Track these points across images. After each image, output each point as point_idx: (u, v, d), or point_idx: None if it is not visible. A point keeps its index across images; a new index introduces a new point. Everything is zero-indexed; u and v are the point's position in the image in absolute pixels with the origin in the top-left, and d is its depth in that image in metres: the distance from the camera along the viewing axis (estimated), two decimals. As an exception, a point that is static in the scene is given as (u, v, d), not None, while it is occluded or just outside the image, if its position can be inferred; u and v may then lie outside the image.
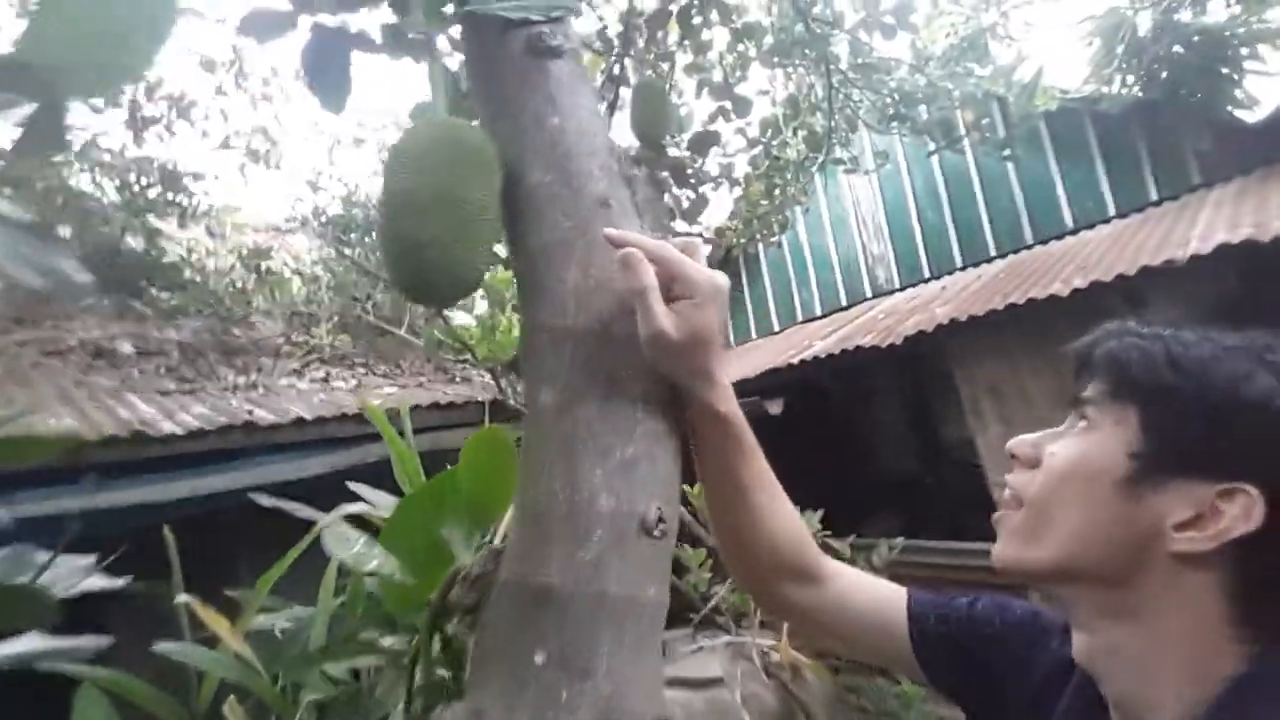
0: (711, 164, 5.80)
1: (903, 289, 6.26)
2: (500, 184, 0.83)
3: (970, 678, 0.75)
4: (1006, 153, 5.35)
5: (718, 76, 5.54)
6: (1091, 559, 0.58)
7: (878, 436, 7.05)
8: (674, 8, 4.70)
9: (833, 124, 5.43)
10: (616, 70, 4.20)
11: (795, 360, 4.83)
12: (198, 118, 5.81)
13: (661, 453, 0.74)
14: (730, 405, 0.73)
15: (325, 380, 5.38)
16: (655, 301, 0.66)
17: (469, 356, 4.72)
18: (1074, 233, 5.23)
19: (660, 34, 5.15)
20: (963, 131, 5.29)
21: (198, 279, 6.25)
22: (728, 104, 5.59)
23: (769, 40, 5.22)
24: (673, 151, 4.16)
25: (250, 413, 4.16)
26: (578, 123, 0.91)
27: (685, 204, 4.44)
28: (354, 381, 5.40)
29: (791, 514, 0.82)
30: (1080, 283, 3.52)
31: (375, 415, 3.29)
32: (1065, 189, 5.39)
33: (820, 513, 3.65)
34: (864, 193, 6.73)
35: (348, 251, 6.60)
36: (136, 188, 5.89)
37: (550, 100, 0.90)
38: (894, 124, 5.46)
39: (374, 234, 6.22)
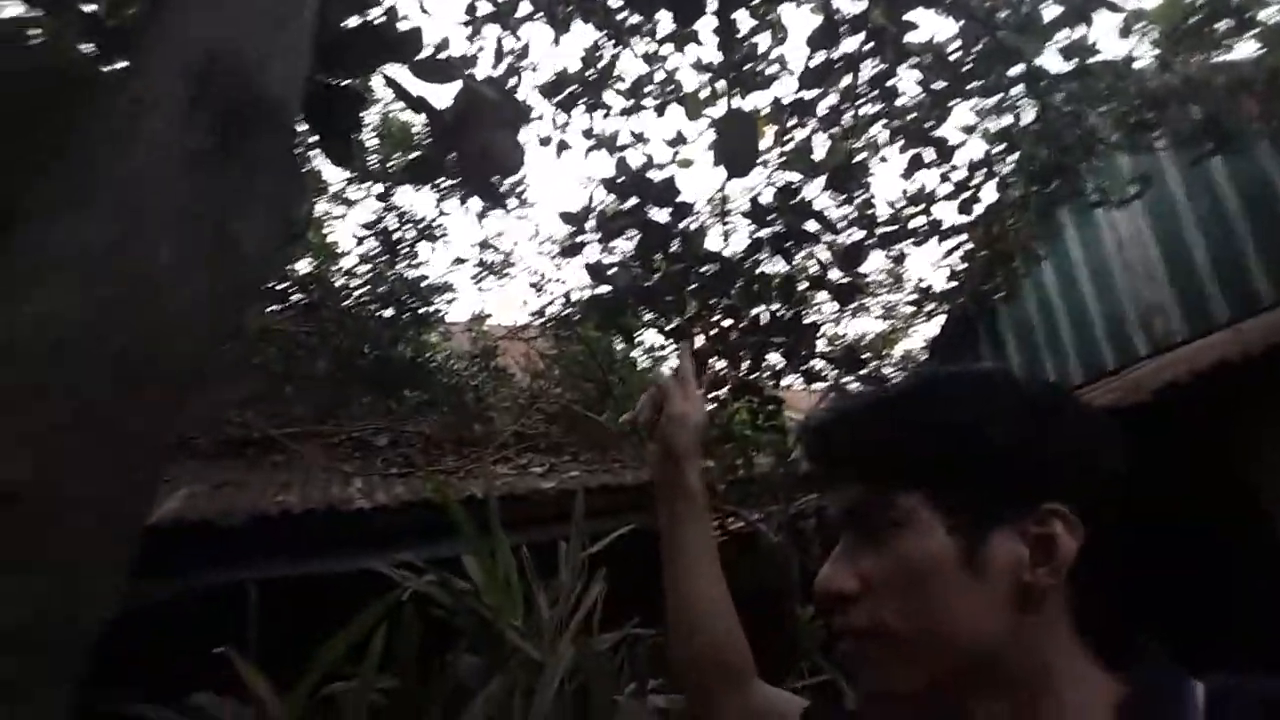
0: (916, 218, 5.19)
1: (1193, 340, 4.87)
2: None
3: None
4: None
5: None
6: (985, 641, 0.56)
7: (1130, 544, 5.29)
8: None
9: (1057, 150, 4.56)
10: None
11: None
12: (439, 237, 6.75)
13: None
14: (701, 484, 0.91)
15: (524, 467, 5.59)
16: (679, 395, 0.92)
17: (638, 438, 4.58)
18: None
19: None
20: (1245, 125, 4.09)
21: (443, 379, 7.04)
22: (926, 150, 5.02)
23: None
24: (810, 193, 3.76)
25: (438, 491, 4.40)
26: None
27: (831, 251, 3.96)
28: (546, 466, 5.54)
29: (734, 614, 0.88)
30: None
31: (451, 506, 3.28)
32: None
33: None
34: (1128, 229, 5.50)
35: (566, 349, 6.98)
36: (402, 301, 6.94)
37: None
38: (1141, 137, 4.42)
39: (587, 329, 6.51)
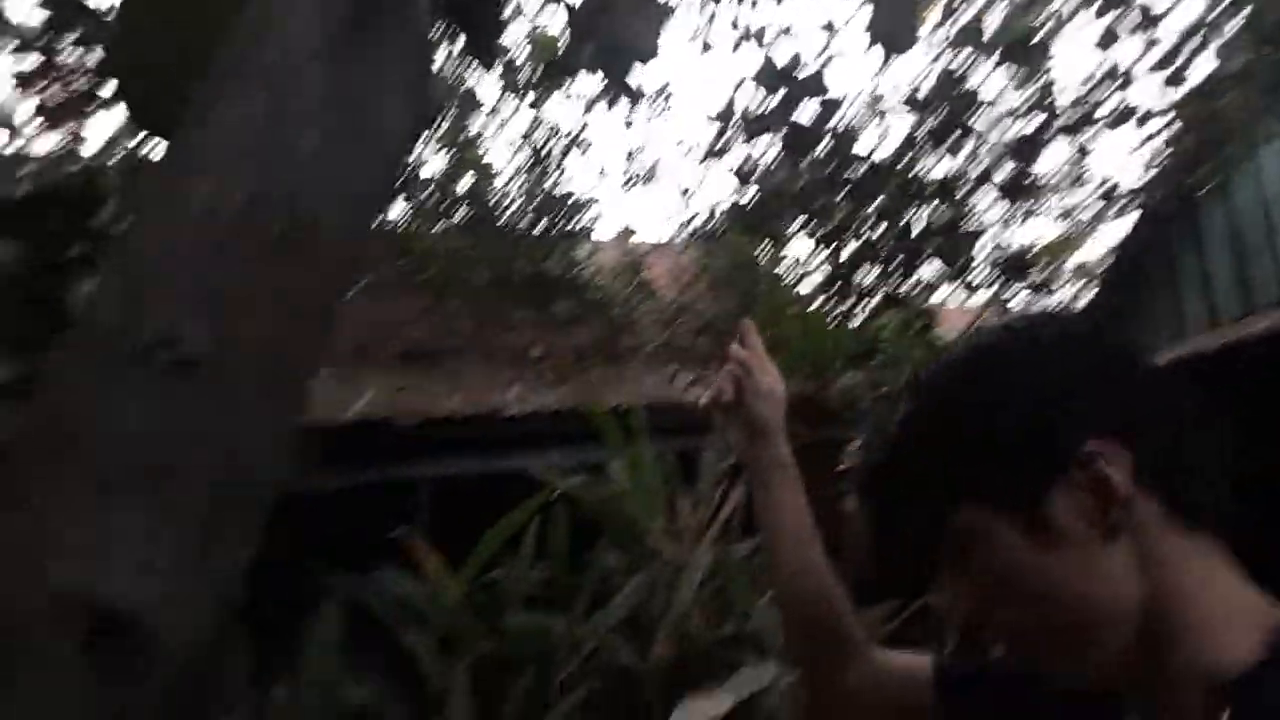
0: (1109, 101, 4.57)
1: None
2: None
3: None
4: None
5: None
6: (1121, 591, 0.55)
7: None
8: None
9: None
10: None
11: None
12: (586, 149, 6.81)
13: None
14: (789, 456, 0.90)
15: (670, 378, 5.68)
16: (759, 368, 0.90)
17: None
18: None
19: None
20: None
21: (591, 293, 7.22)
22: (1126, 16, 4.35)
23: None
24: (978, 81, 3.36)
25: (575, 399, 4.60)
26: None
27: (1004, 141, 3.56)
28: (692, 377, 5.59)
29: (836, 585, 0.87)
30: None
31: (598, 414, 3.34)
32: None
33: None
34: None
35: (712, 261, 6.90)
36: (552, 216, 7.14)
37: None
38: None
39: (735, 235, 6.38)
